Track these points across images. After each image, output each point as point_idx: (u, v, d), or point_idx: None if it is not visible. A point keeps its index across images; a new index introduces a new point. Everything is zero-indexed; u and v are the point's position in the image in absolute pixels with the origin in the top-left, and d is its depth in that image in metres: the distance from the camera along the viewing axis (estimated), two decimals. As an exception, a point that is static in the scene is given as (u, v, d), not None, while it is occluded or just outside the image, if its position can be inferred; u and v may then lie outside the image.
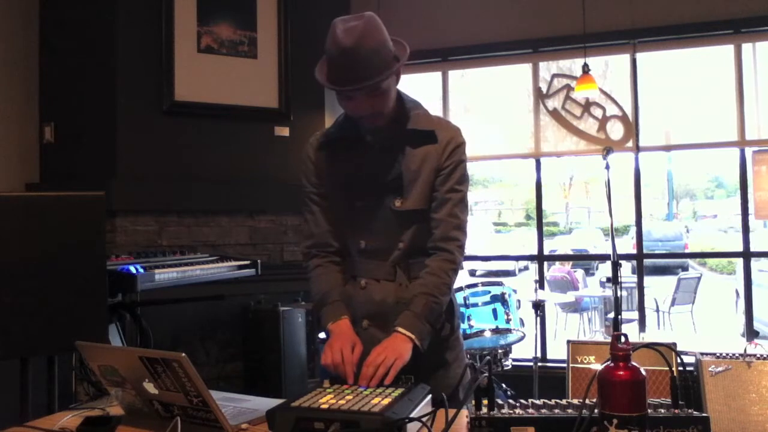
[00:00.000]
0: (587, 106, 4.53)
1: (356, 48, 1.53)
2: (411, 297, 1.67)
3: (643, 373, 1.14)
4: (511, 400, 1.36)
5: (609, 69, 4.52)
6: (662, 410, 1.29)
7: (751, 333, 4.33)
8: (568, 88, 4.55)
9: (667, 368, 2.31)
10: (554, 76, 4.62)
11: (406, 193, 1.70)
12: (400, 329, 1.62)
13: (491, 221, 26.46)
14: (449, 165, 1.70)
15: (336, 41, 1.55)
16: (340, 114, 1.81)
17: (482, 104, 4.80)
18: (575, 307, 7.96)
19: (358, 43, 1.53)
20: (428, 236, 1.72)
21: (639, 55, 4.44)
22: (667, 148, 4.58)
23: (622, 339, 1.16)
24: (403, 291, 1.72)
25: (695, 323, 7.88)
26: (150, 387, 1.41)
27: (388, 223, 1.72)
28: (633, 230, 4.84)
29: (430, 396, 1.48)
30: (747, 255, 4.42)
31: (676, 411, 1.28)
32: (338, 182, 1.76)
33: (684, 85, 4.43)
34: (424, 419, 1.32)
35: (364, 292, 1.76)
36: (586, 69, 4.14)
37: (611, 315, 4.13)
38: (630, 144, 4.42)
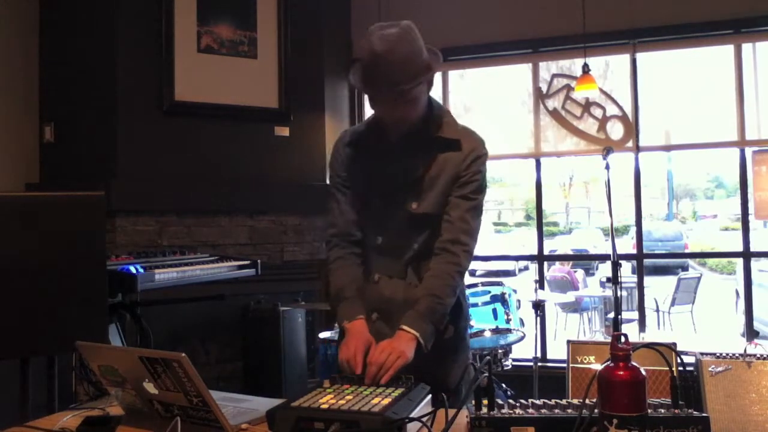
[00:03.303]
0: (587, 106, 4.53)
1: (388, 54, 1.58)
2: (417, 297, 1.70)
3: (643, 373, 1.14)
4: (511, 400, 1.36)
5: (609, 69, 4.52)
6: (662, 410, 1.29)
7: (751, 333, 4.33)
8: (568, 88, 4.55)
9: (667, 368, 2.30)
10: (554, 76, 4.62)
11: (423, 196, 1.75)
12: (404, 327, 1.65)
13: (491, 221, 26.45)
14: (467, 174, 1.75)
15: (370, 46, 1.60)
16: (371, 114, 1.86)
17: (482, 104, 4.80)
18: (575, 307, 7.96)
19: (391, 49, 1.58)
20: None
21: (639, 55, 4.43)
22: (667, 148, 4.58)
23: (622, 339, 1.16)
24: (413, 290, 1.76)
25: (695, 323, 7.88)
26: (150, 387, 1.41)
27: (404, 224, 1.77)
28: (633, 230, 4.84)
29: (430, 396, 1.48)
30: (747, 255, 4.42)
31: (676, 411, 1.28)
32: (360, 179, 1.82)
33: (684, 85, 4.43)
34: (424, 419, 1.32)
35: (376, 286, 1.81)
36: (586, 69, 4.14)
37: (611, 315, 4.13)
38: (630, 144, 4.42)
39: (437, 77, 4.86)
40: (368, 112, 5.02)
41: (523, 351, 4.12)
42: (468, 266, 1.76)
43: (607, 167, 3.02)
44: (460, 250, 1.73)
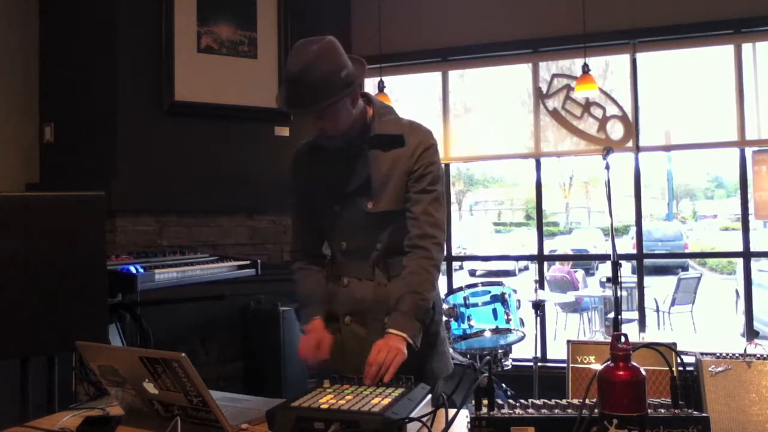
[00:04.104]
0: (587, 106, 4.53)
1: (304, 74, 1.61)
2: (397, 297, 1.73)
3: (643, 373, 1.14)
4: (511, 400, 1.36)
5: (609, 69, 4.52)
6: (662, 410, 1.29)
7: (751, 333, 4.33)
8: (568, 88, 4.55)
9: (667, 368, 2.31)
10: (554, 76, 4.62)
11: (378, 195, 1.78)
12: (392, 330, 1.68)
13: (491, 221, 26.45)
14: (420, 167, 1.78)
15: (287, 66, 1.65)
16: None
17: (482, 104, 4.80)
18: (575, 307, 7.96)
19: (307, 69, 1.60)
20: (404, 236, 1.79)
21: (639, 55, 4.43)
22: (667, 148, 4.58)
23: (622, 339, 1.16)
24: (382, 289, 1.82)
25: (695, 323, 7.88)
26: (150, 387, 1.41)
27: (365, 225, 1.81)
28: (633, 230, 4.84)
29: (430, 396, 1.48)
30: (747, 255, 4.41)
31: (676, 411, 1.28)
32: (317, 188, 1.87)
33: (684, 85, 4.42)
34: (424, 419, 1.32)
35: (346, 290, 1.87)
36: (586, 69, 4.14)
37: (611, 315, 4.13)
38: (630, 144, 4.42)
39: (437, 77, 4.88)
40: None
41: (523, 351, 4.12)
42: (441, 258, 1.80)
43: (607, 167, 3.02)
44: (429, 243, 1.76)
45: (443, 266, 5.10)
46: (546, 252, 5.23)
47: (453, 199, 5.49)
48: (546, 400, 1.34)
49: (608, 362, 1.16)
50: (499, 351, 3.67)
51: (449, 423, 1.28)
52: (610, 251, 2.94)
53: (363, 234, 1.83)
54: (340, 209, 1.84)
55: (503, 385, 3.73)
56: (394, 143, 1.78)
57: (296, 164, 1.94)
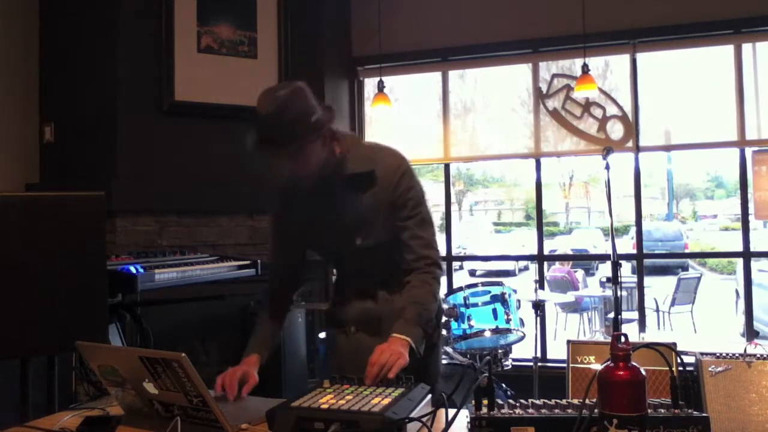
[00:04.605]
0: (587, 106, 4.53)
1: (274, 117, 1.64)
2: (402, 307, 1.79)
3: (643, 373, 1.14)
4: (511, 400, 1.36)
5: (609, 69, 4.52)
6: (662, 410, 1.29)
7: (751, 333, 4.33)
8: (568, 88, 4.55)
9: (667, 368, 2.30)
10: (554, 76, 4.62)
11: (365, 230, 1.83)
12: (395, 334, 1.71)
13: (491, 221, 26.44)
14: (399, 196, 1.81)
15: (258, 108, 1.68)
16: None
17: (482, 104, 4.80)
18: (575, 307, 7.95)
19: (277, 112, 1.64)
20: (400, 255, 1.84)
21: (639, 55, 4.44)
22: (667, 148, 4.58)
23: (622, 339, 1.16)
24: (384, 303, 1.89)
25: (695, 323, 7.88)
26: (150, 387, 1.41)
27: (358, 257, 1.88)
28: (633, 230, 4.84)
29: (430, 396, 1.48)
30: (747, 255, 4.41)
31: (676, 411, 1.28)
32: (301, 226, 1.89)
33: (684, 85, 4.42)
34: (424, 419, 1.32)
35: (350, 303, 1.95)
36: (585, 69, 4.14)
37: (611, 315, 4.12)
38: (630, 144, 4.42)
39: (437, 77, 4.88)
40: (368, 113, 5.03)
41: (523, 351, 4.12)
42: (440, 273, 1.87)
43: (607, 167, 3.02)
44: (424, 264, 1.82)
45: (443, 266, 5.11)
46: (546, 252, 5.23)
47: (453, 199, 5.49)
48: (546, 400, 1.34)
49: (608, 362, 1.16)
50: (499, 351, 3.67)
51: (449, 423, 1.28)
52: (610, 251, 2.94)
53: (358, 263, 1.90)
54: (335, 241, 1.89)
55: (503, 385, 3.73)
56: (368, 183, 1.80)
57: (280, 202, 1.95)
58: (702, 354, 3.08)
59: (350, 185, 1.80)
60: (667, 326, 7.77)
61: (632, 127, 4.42)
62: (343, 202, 1.82)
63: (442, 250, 5.28)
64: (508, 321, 3.64)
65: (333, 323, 2.00)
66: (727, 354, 3.04)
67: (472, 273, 15.31)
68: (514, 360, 3.76)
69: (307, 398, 1.41)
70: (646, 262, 4.65)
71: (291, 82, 1.72)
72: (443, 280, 4.91)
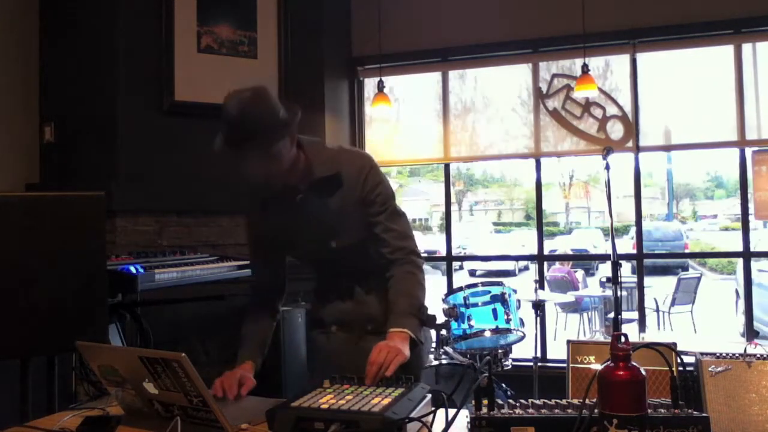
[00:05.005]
0: (587, 106, 4.53)
1: (242, 116, 1.65)
2: (392, 301, 1.80)
3: (643, 373, 1.14)
4: (511, 400, 1.36)
5: (609, 69, 4.52)
6: (662, 410, 1.29)
7: (751, 333, 4.33)
8: (568, 88, 4.55)
9: (667, 368, 2.30)
10: (554, 76, 4.62)
11: (338, 232, 1.85)
12: (393, 329, 1.72)
13: (491, 221, 26.45)
14: (368, 192, 1.83)
15: (224, 112, 1.70)
16: None
17: (482, 104, 4.80)
18: (575, 307, 7.95)
19: (244, 111, 1.65)
20: (376, 254, 1.86)
21: (639, 55, 4.43)
22: (667, 148, 4.58)
23: (622, 339, 1.16)
24: (362, 303, 1.92)
25: (695, 323, 7.88)
26: (150, 387, 1.41)
27: (335, 257, 1.89)
28: (633, 230, 4.84)
29: (430, 396, 1.48)
30: (747, 255, 4.41)
31: (676, 411, 1.28)
32: (275, 233, 1.91)
33: (684, 85, 4.42)
34: (424, 419, 1.32)
35: (331, 304, 1.97)
36: (585, 69, 4.14)
37: (611, 315, 4.13)
38: (630, 144, 4.42)
39: (437, 77, 4.88)
40: (368, 113, 5.02)
41: (523, 351, 4.12)
42: (420, 262, 1.87)
43: (607, 167, 3.02)
44: (402, 254, 1.84)
45: (443, 266, 5.11)
46: (546, 252, 5.23)
47: (453, 199, 5.49)
48: (546, 400, 1.34)
49: (608, 362, 1.16)
50: (499, 351, 3.67)
51: (449, 423, 1.28)
52: (610, 251, 2.94)
53: (335, 263, 1.92)
54: (308, 248, 1.91)
55: (503, 385, 3.73)
56: (335, 186, 1.81)
57: (254, 208, 1.96)
58: (702, 354, 3.08)
59: (317, 190, 1.81)
60: (667, 326, 7.77)
61: (632, 127, 4.42)
62: (312, 207, 1.82)
63: (442, 250, 5.28)
64: (508, 321, 3.64)
65: (314, 324, 2.04)
66: (727, 354, 3.03)
67: (472, 273, 15.32)
68: (514, 360, 3.76)
69: (306, 398, 1.41)
70: (646, 262, 4.64)
71: (251, 87, 1.73)
72: (443, 279, 4.93)
